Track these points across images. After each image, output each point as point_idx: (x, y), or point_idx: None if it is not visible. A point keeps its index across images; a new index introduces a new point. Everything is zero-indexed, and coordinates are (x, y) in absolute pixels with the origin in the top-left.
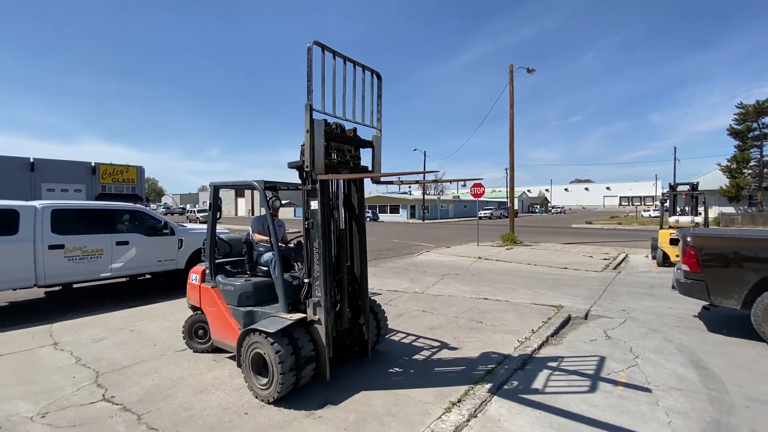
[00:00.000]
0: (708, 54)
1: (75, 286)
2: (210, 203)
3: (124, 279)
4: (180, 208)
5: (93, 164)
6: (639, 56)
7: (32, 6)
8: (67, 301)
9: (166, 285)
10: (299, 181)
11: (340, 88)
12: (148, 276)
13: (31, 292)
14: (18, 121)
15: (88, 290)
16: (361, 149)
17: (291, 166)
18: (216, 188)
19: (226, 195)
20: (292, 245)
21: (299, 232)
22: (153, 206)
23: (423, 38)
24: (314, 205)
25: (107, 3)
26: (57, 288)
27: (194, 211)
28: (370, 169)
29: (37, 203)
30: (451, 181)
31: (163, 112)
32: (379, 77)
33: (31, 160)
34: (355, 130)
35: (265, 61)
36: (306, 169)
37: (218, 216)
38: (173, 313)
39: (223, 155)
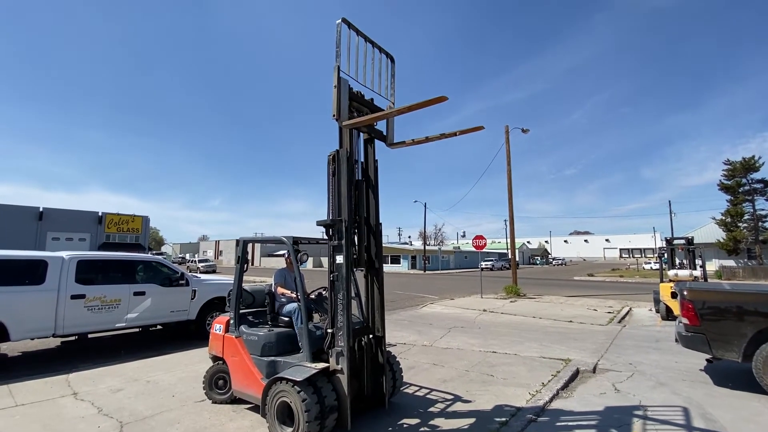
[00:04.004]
0: (690, 113)
1: (90, 336)
2: (238, 256)
3: (137, 330)
4: (180, 257)
5: (100, 214)
6: (625, 115)
7: (46, 63)
8: (80, 352)
9: (176, 336)
10: (289, 230)
11: (362, 62)
12: (159, 327)
13: (43, 342)
14: (27, 171)
15: (100, 340)
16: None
17: (320, 223)
18: (245, 243)
19: (226, 245)
20: (313, 296)
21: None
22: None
23: (421, 95)
24: (339, 259)
25: (110, 57)
26: (72, 338)
27: (195, 261)
28: (384, 134)
29: (64, 254)
30: (457, 134)
31: (168, 164)
32: (392, 60)
33: (41, 209)
34: (372, 99)
35: (270, 112)
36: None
37: (245, 268)
38: (186, 364)
39: (225, 206)
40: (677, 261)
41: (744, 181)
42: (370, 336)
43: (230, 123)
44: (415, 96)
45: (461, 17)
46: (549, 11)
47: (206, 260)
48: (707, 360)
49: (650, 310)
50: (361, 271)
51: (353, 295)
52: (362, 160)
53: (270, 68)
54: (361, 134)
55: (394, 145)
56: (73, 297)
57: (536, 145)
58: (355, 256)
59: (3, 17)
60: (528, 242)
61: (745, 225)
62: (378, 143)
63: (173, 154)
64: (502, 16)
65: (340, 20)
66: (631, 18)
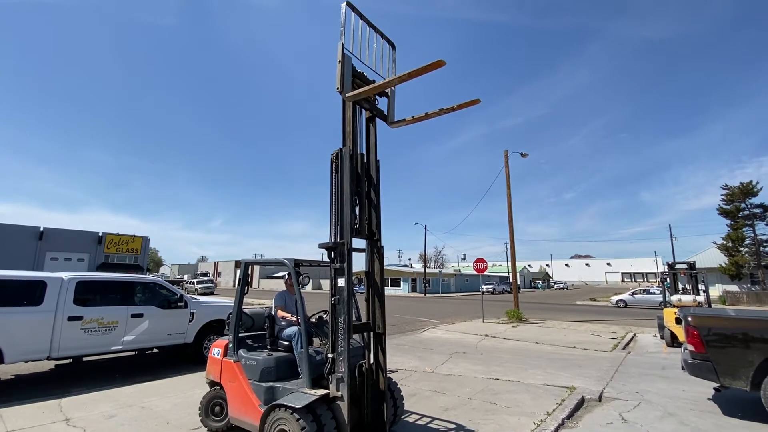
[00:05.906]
0: (686, 139)
1: (85, 359)
2: (239, 279)
3: (133, 353)
4: (177, 278)
5: (100, 234)
6: (622, 140)
7: (55, 86)
8: (74, 375)
9: (172, 359)
10: (292, 254)
11: (365, 45)
12: (155, 350)
13: (36, 365)
14: (28, 190)
15: (95, 364)
16: (377, 98)
17: (322, 246)
18: (246, 264)
19: (225, 266)
20: (313, 320)
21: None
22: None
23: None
24: (341, 282)
25: (110, 75)
26: (67, 361)
27: (193, 282)
28: (386, 114)
29: (64, 275)
30: (455, 109)
31: (169, 184)
32: (393, 47)
33: (41, 229)
34: (374, 81)
35: (271, 133)
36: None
37: (246, 290)
38: (182, 390)
39: (225, 226)
40: (680, 286)
41: (743, 206)
42: (371, 333)
43: (232, 143)
44: (415, 113)
45: (458, 41)
46: (545, 39)
47: (204, 281)
48: (715, 389)
49: (655, 336)
50: (365, 239)
51: (354, 319)
52: (363, 151)
53: (272, 86)
54: (363, 112)
55: (395, 123)
56: (70, 319)
57: (535, 169)
58: (356, 226)
59: (4, 36)
60: (529, 266)
61: (746, 250)
62: (380, 125)
63: (174, 175)
64: (498, 43)
65: (344, 3)
66: (625, 47)
